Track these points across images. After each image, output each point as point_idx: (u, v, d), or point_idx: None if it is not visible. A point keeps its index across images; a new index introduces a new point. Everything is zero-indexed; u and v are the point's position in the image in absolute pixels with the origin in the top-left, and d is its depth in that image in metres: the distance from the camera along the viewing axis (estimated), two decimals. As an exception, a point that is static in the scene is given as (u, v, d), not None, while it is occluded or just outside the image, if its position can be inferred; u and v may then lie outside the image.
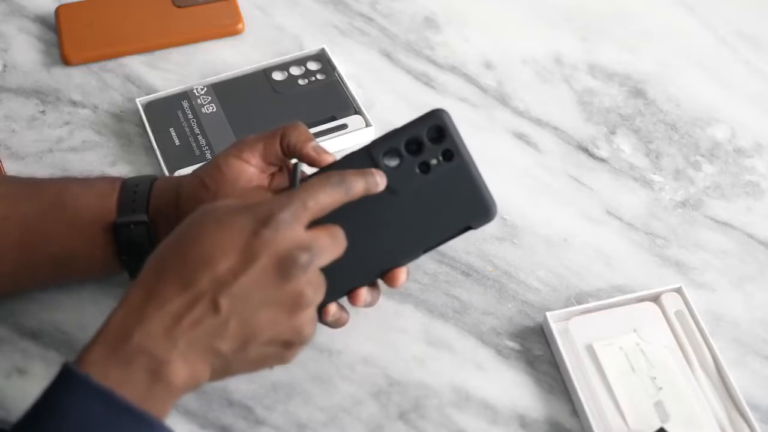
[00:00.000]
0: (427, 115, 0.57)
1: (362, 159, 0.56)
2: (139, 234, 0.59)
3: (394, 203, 0.56)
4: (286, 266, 0.49)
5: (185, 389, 0.49)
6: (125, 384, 0.46)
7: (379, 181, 0.55)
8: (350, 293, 0.57)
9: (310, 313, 0.51)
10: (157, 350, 0.47)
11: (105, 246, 0.59)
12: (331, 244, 0.52)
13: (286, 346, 0.52)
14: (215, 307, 0.48)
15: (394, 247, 0.57)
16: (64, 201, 0.60)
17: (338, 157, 0.58)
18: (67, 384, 0.47)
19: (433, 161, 0.56)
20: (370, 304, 0.59)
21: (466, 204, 0.57)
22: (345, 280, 0.56)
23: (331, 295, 0.55)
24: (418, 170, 0.56)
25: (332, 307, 0.57)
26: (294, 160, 0.58)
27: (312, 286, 0.50)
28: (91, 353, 0.47)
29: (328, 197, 0.52)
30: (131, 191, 0.60)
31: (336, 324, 0.59)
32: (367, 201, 0.55)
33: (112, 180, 0.62)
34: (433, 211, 0.57)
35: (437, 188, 0.57)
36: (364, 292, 0.57)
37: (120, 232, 0.59)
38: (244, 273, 0.48)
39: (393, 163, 0.56)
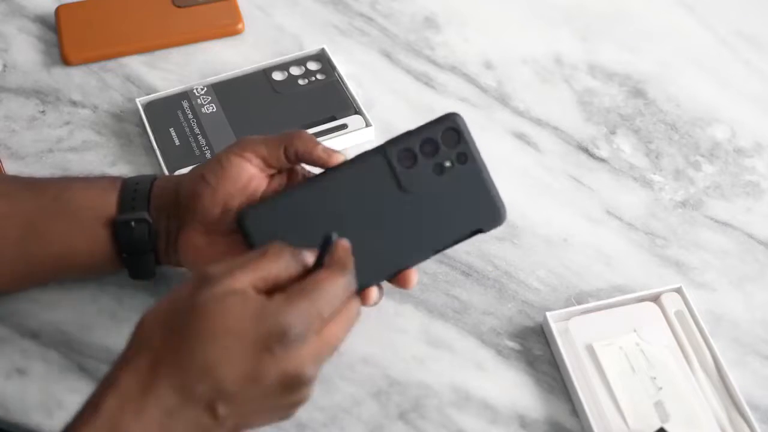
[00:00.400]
0: (443, 118, 0.57)
1: (376, 158, 0.56)
2: (139, 231, 0.59)
3: (406, 203, 0.57)
4: (292, 385, 0.48)
5: None
6: None
7: (376, 296, 0.57)
8: (361, 293, 0.57)
9: (307, 397, 0.51)
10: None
11: (105, 243, 0.59)
12: (340, 340, 0.51)
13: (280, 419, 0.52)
14: (213, 414, 0.47)
15: (404, 247, 0.57)
16: (65, 198, 0.60)
17: (348, 155, 0.58)
18: None
19: (447, 163, 0.57)
20: (376, 303, 0.59)
21: (477, 207, 0.58)
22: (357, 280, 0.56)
23: None
24: (431, 171, 0.57)
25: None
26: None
27: (315, 378, 0.49)
28: None
29: (338, 301, 0.50)
30: (132, 189, 0.60)
31: None
32: (380, 201, 0.55)
33: (113, 179, 0.62)
34: (445, 212, 0.57)
35: (450, 190, 0.57)
36: (374, 292, 0.57)
37: (120, 230, 0.59)
38: (249, 388, 0.47)
39: (407, 163, 0.57)
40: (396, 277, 0.58)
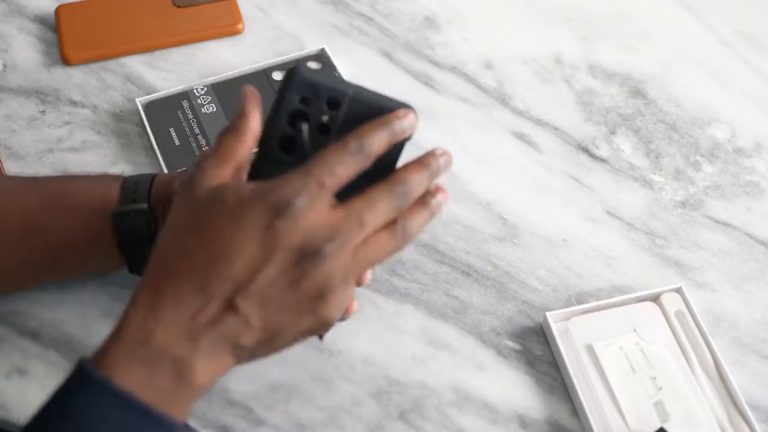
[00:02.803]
0: (286, 81, 0.50)
1: (271, 161, 0.50)
2: (139, 223, 0.59)
3: None
4: (306, 259, 0.45)
5: (209, 386, 0.47)
6: (148, 388, 0.45)
7: (405, 123, 0.49)
8: None
9: (338, 298, 0.47)
10: (181, 352, 0.45)
11: (105, 236, 0.59)
12: (360, 217, 0.46)
13: (313, 333, 0.49)
14: (233, 308, 0.45)
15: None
16: (65, 192, 0.60)
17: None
18: (85, 386, 0.45)
19: (325, 117, 0.50)
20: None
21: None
22: None
23: None
24: (321, 136, 0.50)
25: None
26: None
27: (340, 271, 0.46)
28: (110, 355, 0.45)
29: (346, 169, 0.47)
30: (133, 183, 0.60)
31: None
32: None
33: (114, 176, 0.62)
34: None
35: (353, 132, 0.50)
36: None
37: (120, 222, 0.59)
38: (261, 271, 0.45)
39: (292, 149, 0.50)
40: None
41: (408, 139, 0.51)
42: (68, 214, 0.59)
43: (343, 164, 0.47)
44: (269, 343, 0.48)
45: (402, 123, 0.49)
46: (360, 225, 0.47)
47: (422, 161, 0.50)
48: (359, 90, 0.51)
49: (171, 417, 0.45)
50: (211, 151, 0.49)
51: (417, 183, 0.49)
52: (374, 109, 0.51)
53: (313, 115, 0.50)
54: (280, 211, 0.45)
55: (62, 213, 0.59)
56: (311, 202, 0.45)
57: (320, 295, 0.46)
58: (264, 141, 0.51)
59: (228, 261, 0.45)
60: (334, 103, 0.50)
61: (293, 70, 0.50)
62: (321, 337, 0.51)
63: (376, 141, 0.48)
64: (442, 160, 0.51)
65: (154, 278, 0.47)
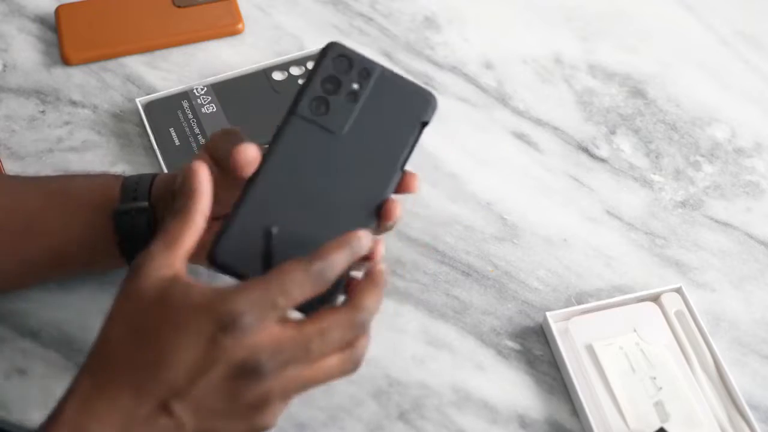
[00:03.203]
0: (324, 53, 0.55)
1: (293, 123, 0.54)
2: (139, 222, 0.59)
3: (348, 143, 0.54)
4: (246, 375, 0.45)
5: None
6: None
7: (364, 243, 0.48)
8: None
9: (276, 411, 0.47)
10: None
11: (106, 235, 0.59)
12: (309, 345, 0.46)
13: None
14: (168, 411, 0.45)
15: (374, 180, 0.54)
16: (67, 191, 0.60)
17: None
18: None
19: (355, 86, 0.55)
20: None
21: (408, 104, 0.55)
22: (342, 229, 0.52)
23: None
24: (348, 102, 0.54)
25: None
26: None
27: (280, 389, 0.46)
28: None
29: (303, 292, 0.46)
30: (134, 182, 0.61)
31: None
32: (325, 156, 0.53)
33: (114, 175, 0.62)
34: (385, 129, 0.55)
35: (376, 107, 0.55)
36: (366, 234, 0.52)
37: (120, 220, 0.59)
38: (199, 381, 0.45)
39: (322, 109, 0.54)
40: (379, 215, 0.53)
41: (423, 125, 0.55)
42: (69, 213, 0.59)
43: (302, 287, 0.46)
44: None
45: (361, 243, 0.48)
46: (307, 352, 0.46)
47: (373, 288, 0.49)
48: (388, 70, 0.55)
49: None
50: (159, 236, 0.48)
51: (374, 311, 0.49)
52: (398, 88, 0.55)
53: (345, 81, 0.55)
54: (227, 326, 0.44)
55: (63, 213, 0.59)
56: (260, 322, 0.45)
57: (257, 408, 0.46)
58: (295, 101, 0.54)
59: (168, 366, 0.45)
60: (365, 74, 0.55)
61: (332, 42, 0.55)
62: None
63: (338, 265, 0.47)
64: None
65: (93, 370, 0.47)
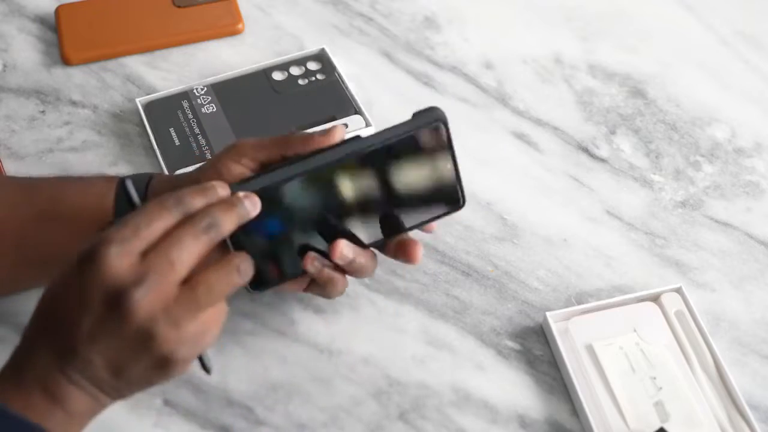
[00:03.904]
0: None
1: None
2: None
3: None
4: (116, 304, 0.47)
5: (88, 413, 0.50)
6: (26, 408, 0.48)
7: (219, 191, 0.52)
8: (331, 246, 0.58)
9: (169, 336, 0.48)
10: (51, 382, 0.49)
11: None
12: (172, 264, 0.48)
13: (163, 369, 0.50)
14: (75, 352, 0.48)
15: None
16: (61, 201, 0.60)
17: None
18: None
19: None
20: (359, 269, 0.59)
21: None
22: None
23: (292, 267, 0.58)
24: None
25: (310, 257, 0.58)
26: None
27: (160, 310, 0.48)
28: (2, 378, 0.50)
29: (162, 221, 0.49)
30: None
31: (324, 280, 0.59)
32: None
33: (109, 179, 0.62)
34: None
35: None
36: (342, 245, 0.57)
37: None
38: (79, 313, 0.47)
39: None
40: (401, 249, 0.61)
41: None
42: (62, 225, 0.59)
43: (161, 218, 0.49)
44: (120, 378, 0.49)
45: (216, 191, 0.52)
46: (170, 263, 0.48)
47: (204, 191, 0.52)
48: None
49: (28, 418, 0.48)
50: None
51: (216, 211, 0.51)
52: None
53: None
54: (88, 258, 0.48)
55: (56, 224, 0.59)
56: (122, 249, 0.47)
57: (144, 339, 0.48)
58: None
59: (67, 318, 0.48)
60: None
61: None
62: (206, 369, 0.53)
63: (192, 202, 0.51)
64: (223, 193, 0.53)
65: (34, 323, 0.50)
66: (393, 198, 0.59)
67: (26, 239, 0.59)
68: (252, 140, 0.58)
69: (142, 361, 0.49)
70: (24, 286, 0.64)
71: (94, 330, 0.48)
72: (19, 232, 0.59)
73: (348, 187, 0.57)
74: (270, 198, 0.55)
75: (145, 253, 0.48)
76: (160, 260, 0.48)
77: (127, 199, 0.53)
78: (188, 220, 0.50)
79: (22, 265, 0.60)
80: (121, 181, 0.61)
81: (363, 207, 0.58)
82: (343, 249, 0.57)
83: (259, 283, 0.57)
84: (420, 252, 0.60)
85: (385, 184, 0.58)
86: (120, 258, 0.47)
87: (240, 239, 0.54)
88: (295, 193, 0.56)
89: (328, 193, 0.57)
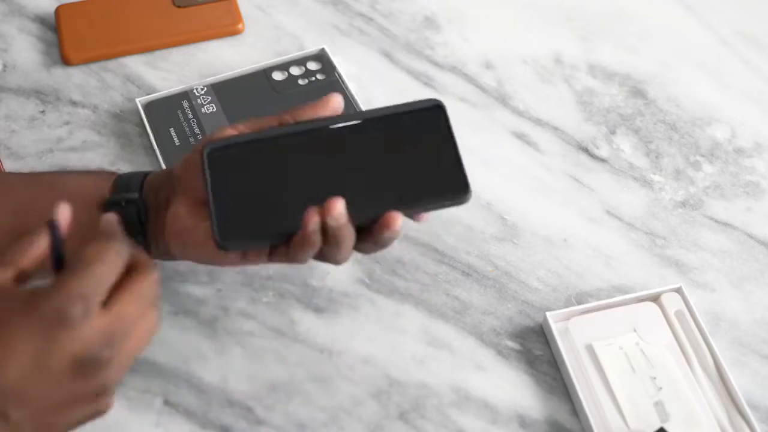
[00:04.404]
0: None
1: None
2: (129, 212, 0.58)
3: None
4: (85, 368, 0.45)
5: None
6: None
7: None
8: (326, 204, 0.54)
9: (114, 389, 0.48)
10: None
11: (96, 230, 0.58)
12: (139, 312, 0.47)
13: (94, 417, 0.49)
14: (5, 420, 0.45)
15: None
16: (58, 185, 0.60)
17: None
18: None
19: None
20: (339, 241, 0.54)
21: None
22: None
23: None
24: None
25: (312, 210, 0.53)
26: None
27: (117, 370, 0.46)
28: None
29: (112, 270, 0.47)
30: (126, 177, 0.60)
31: (307, 242, 0.54)
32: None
33: (109, 172, 0.62)
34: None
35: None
36: (340, 203, 0.52)
37: (110, 210, 0.57)
38: (36, 382, 0.44)
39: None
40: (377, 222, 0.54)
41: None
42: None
43: (109, 268, 0.46)
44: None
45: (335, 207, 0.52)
46: (131, 326, 0.47)
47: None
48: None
49: None
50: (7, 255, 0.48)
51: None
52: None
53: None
54: (56, 321, 0.44)
55: (53, 206, 0.59)
56: (87, 309, 0.45)
57: (98, 394, 0.47)
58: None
59: (2, 370, 0.44)
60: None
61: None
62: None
63: (124, 248, 0.48)
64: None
65: None
66: (386, 177, 0.55)
67: (22, 220, 0.58)
68: (228, 129, 0.58)
69: (80, 416, 0.47)
70: None
71: (44, 393, 0.45)
72: (15, 213, 0.58)
73: (340, 157, 0.55)
74: (253, 155, 0.54)
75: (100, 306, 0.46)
76: (125, 324, 0.46)
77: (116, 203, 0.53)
78: (140, 277, 0.48)
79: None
80: (121, 174, 0.61)
81: (354, 181, 0.55)
82: (341, 207, 0.52)
83: (229, 239, 0.54)
84: (398, 220, 0.53)
85: (379, 160, 0.55)
86: (88, 320, 0.45)
87: (222, 189, 0.53)
88: (282, 154, 0.55)
89: (317, 159, 0.55)
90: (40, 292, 0.45)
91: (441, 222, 0.72)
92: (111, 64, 0.80)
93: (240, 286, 0.67)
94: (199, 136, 0.74)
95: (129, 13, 0.83)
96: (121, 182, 0.60)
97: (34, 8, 0.84)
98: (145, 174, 0.61)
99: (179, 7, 0.83)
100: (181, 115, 0.75)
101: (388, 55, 0.83)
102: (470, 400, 0.63)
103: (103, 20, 0.82)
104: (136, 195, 0.58)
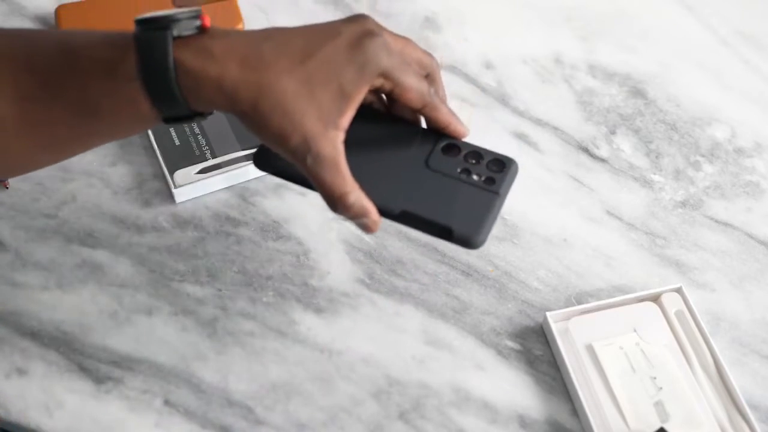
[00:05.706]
0: (504, 156, 0.59)
1: (428, 135, 0.59)
2: (159, 39, 0.56)
3: (420, 168, 0.58)
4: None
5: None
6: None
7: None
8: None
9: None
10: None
11: (130, 73, 0.55)
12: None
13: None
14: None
15: (398, 194, 0.57)
16: (71, 53, 0.57)
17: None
18: None
19: (475, 177, 0.58)
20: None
21: (467, 217, 0.57)
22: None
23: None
24: (459, 169, 0.58)
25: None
26: None
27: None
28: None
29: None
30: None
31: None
32: (404, 159, 0.58)
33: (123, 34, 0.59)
34: (441, 197, 0.58)
35: (459, 190, 0.58)
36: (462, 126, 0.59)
37: (140, 39, 0.57)
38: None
39: (449, 153, 0.58)
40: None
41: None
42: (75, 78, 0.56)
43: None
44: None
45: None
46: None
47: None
48: (501, 203, 0.58)
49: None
50: None
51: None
52: (483, 206, 0.58)
53: (477, 169, 0.59)
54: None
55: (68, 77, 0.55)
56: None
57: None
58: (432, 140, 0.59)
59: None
60: (490, 181, 0.58)
61: (515, 162, 0.60)
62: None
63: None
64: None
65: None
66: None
67: (36, 92, 0.54)
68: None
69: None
70: (42, 154, 0.57)
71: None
72: (44, 77, 0.55)
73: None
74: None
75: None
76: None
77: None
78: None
79: (34, 120, 0.55)
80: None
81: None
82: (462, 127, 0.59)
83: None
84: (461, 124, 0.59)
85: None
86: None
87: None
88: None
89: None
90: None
91: (441, 222, 0.72)
92: (111, 64, 0.80)
93: (240, 286, 0.67)
94: (199, 136, 0.74)
95: (129, 13, 0.82)
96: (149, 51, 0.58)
97: (34, 8, 0.84)
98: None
99: (179, 7, 0.83)
100: (181, 115, 0.75)
101: (388, 55, 0.83)
102: (470, 400, 0.63)
103: (103, 20, 0.82)
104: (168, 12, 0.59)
